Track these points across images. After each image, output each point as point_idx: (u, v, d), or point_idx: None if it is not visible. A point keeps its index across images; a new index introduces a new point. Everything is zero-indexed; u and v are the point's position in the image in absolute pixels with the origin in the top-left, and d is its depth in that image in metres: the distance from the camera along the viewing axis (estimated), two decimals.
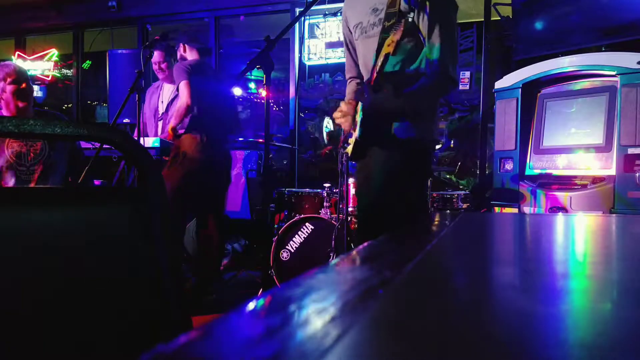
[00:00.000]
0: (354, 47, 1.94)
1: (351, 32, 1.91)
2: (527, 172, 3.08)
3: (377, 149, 1.77)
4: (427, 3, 1.65)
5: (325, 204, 3.25)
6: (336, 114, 1.85)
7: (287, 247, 3.16)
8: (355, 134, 1.81)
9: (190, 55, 3.14)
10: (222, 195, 3.39)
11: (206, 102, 3.01)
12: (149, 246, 0.70)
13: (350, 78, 2.02)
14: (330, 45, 4.86)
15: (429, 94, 1.74)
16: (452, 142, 5.50)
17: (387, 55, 1.61)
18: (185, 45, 3.14)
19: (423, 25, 1.68)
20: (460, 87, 4.76)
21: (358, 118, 1.79)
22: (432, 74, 1.67)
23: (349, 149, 1.89)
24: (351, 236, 2.81)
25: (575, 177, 2.80)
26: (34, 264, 0.60)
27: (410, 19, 1.64)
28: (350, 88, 1.99)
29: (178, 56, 3.19)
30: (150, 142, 3.16)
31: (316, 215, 3.15)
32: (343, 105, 1.83)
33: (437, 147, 3.69)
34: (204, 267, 3.17)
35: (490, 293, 0.47)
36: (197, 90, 2.94)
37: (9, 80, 2.52)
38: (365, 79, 1.86)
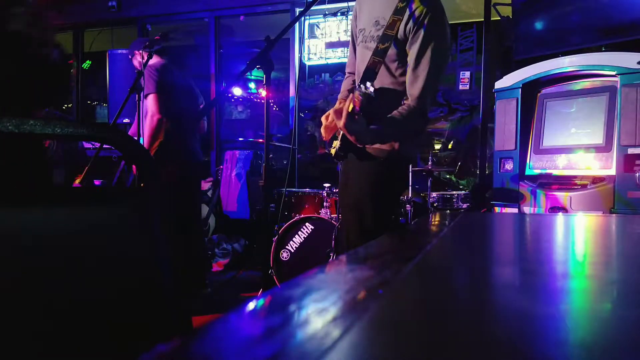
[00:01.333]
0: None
1: (357, 31, 1.91)
2: (527, 172, 3.08)
3: (356, 158, 1.78)
4: (422, 31, 1.61)
5: (325, 204, 3.25)
6: (323, 119, 1.85)
7: (287, 247, 3.16)
8: (339, 136, 1.82)
9: (151, 59, 3.04)
10: (196, 199, 3.37)
11: (176, 110, 2.97)
12: (149, 246, 0.70)
13: (349, 73, 2.02)
14: (330, 45, 4.86)
15: (400, 128, 1.69)
16: (451, 142, 5.51)
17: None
18: (141, 52, 3.05)
19: (412, 51, 1.64)
20: (460, 87, 4.76)
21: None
22: (408, 109, 1.63)
23: (332, 150, 1.90)
24: None
25: (575, 177, 2.80)
26: (34, 264, 0.60)
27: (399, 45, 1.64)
28: (346, 85, 1.98)
29: (136, 64, 3.08)
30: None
31: (316, 215, 3.16)
32: (331, 113, 1.83)
33: (437, 147, 3.70)
34: (189, 261, 3.18)
35: (490, 293, 0.46)
36: (167, 100, 2.88)
37: None
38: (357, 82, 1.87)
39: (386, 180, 1.77)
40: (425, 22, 1.61)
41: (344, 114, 1.54)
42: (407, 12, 1.62)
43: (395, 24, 1.62)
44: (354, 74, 1.99)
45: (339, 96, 1.97)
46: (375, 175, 1.74)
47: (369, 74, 1.63)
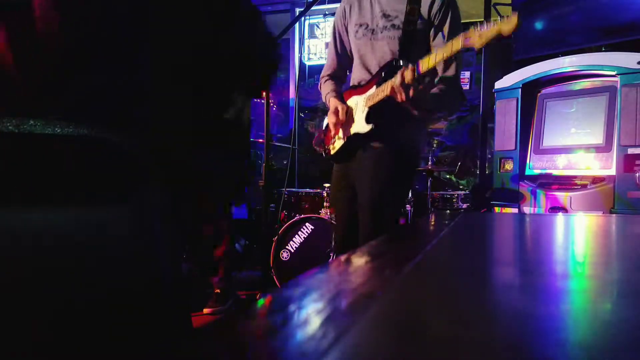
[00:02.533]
0: (343, 44, 1.95)
1: (347, 30, 1.91)
2: (527, 172, 3.08)
3: (377, 147, 1.77)
4: (450, 13, 1.72)
5: (325, 204, 3.25)
6: (331, 118, 1.85)
7: (287, 247, 3.16)
8: (349, 132, 1.82)
9: None
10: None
11: None
12: (149, 246, 0.70)
13: (327, 76, 2.01)
14: None
15: (448, 100, 1.78)
16: (451, 142, 5.50)
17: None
18: None
19: (443, 33, 1.74)
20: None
21: (360, 114, 1.78)
22: (449, 87, 1.73)
23: (335, 147, 1.89)
24: None
25: (575, 177, 2.80)
26: (33, 264, 0.60)
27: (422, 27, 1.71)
28: (330, 87, 1.97)
29: None
30: None
31: (316, 215, 3.16)
32: (340, 108, 1.83)
33: (435, 147, 3.71)
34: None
35: (490, 293, 0.46)
36: None
37: None
38: (358, 79, 1.86)
39: (401, 174, 1.79)
40: (451, 5, 1.74)
41: (413, 84, 1.54)
42: None
43: (414, 10, 1.71)
44: (332, 75, 2.00)
45: (329, 95, 1.94)
46: (388, 173, 1.75)
47: (405, 51, 1.70)
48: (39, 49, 0.62)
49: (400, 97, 1.56)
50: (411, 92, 1.55)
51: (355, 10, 1.87)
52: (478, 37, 1.38)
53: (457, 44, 1.44)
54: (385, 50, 1.76)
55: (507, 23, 1.32)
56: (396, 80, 1.57)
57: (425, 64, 1.53)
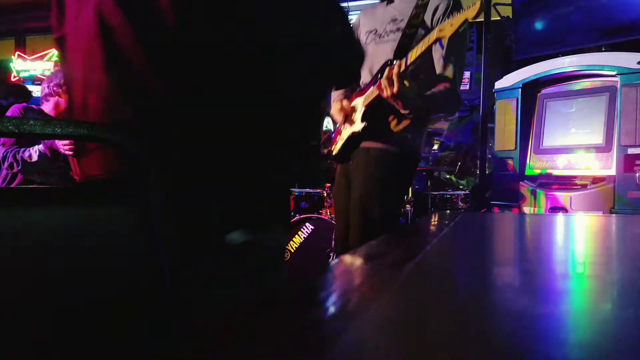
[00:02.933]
0: None
1: (359, 40, 1.93)
2: (527, 172, 3.08)
3: (374, 149, 1.77)
4: (450, 20, 1.70)
5: (325, 204, 3.25)
6: (335, 111, 1.86)
7: (287, 247, 3.16)
8: (348, 132, 1.83)
9: None
10: None
11: None
12: (149, 246, 0.70)
13: None
14: None
15: (442, 102, 1.77)
16: (451, 142, 5.49)
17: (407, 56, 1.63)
18: None
19: (435, 48, 1.72)
20: (460, 87, 4.77)
21: (358, 114, 1.80)
22: (445, 89, 1.73)
23: (337, 146, 1.90)
24: None
25: (575, 177, 2.80)
26: (33, 264, 0.60)
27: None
28: (336, 95, 1.98)
29: None
30: None
31: (316, 215, 3.16)
32: (344, 102, 1.85)
33: (434, 147, 3.71)
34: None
35: (490, 293, 0.46)
36: None
37: None
38: (364, 83, 1.87)
39: (396, 178, 1.78)
40: (453, 11, 1.70)
41: (396, 79, 1.56)
42: (434, 4, 1.72)
43: (418, 15, 1.71)
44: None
45: (337, 98, 1.95)
46: (384, 174, 1.75)
47: (401, 52, 1.69)
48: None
49: (385, 92, 1.60)
50: (395, 88, 1.56)
51: (368, 19, 1.92)
52: (449, 26, 1.49)
53: (432, 36, 1.54)
54: (388, 53, 1.77)
55: (471, 10, 1.45)
56: (383, 77, 1.61)
57: (405, 60, 1.58)
